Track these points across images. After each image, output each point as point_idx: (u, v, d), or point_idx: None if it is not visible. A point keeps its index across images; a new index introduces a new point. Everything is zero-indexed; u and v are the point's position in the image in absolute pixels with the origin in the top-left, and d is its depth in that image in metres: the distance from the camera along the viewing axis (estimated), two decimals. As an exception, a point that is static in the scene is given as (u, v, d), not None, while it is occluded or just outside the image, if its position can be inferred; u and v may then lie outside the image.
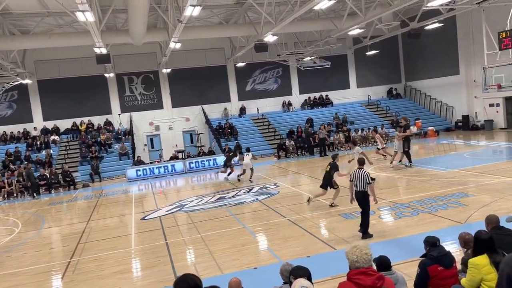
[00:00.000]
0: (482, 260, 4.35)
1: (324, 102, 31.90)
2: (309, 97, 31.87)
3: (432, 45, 29.07)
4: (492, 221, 5.41)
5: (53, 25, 21.32)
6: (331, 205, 11.82)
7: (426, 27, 23.36)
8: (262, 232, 10.43)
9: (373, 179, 9.39)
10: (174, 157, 24.95)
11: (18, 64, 22.69)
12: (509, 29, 17.28)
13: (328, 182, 12.05)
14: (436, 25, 22.80)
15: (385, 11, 19.04)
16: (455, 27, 27.41)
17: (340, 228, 9.89)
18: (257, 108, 30.28)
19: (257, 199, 14.31)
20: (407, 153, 16.97)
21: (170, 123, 29.67)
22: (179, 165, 23.75)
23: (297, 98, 31.82)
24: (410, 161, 16.91)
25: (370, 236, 8.79)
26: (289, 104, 31.30)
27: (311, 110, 31.13)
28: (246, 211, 13.11)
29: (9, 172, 22.53)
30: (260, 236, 10.20)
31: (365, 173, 8.75)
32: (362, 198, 8.79)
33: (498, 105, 26.00)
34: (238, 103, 30.63)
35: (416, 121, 28.01)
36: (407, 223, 9.62)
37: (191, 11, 13.36)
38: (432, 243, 5.14)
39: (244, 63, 28.99)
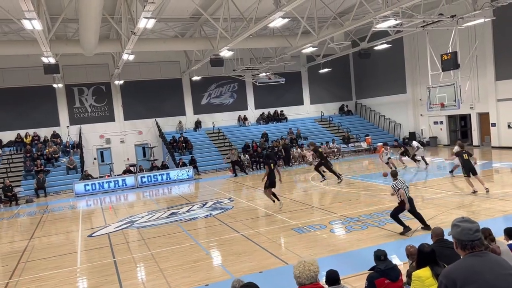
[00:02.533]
0: (425, 273, 4.51)
1: (279, 117, 32.38)
2: (264, 112, 32.23)
3: (381, 65, 30.44)
4: (436, 233, 5.66)
5: (-2, 32, 20.33)
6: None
7: (376, 47, 24.47)
8: (215, 248, 10.30)
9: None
10: (127, 171, 24.24)
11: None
12: (450, 51, 18.42)
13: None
14: (385, 45, 23.95)
15: (337, 31, 19.75)
16: (402, 48, 28.88)
17: (292, 242, 9.96)
18: (213, 122, 30.19)
19: (210, 214, 14.15)
20: (317, 170, 17.73)
21: (122, 136, 28.90)
22: (130, 179, 23.09)
23: (252, 113, 32.08)
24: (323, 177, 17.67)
25: None
26: (245, 118, 31.48)
27: (266, 125, 31.48)
28: (199, 226, 12.92)
29: None
30: (213, 252, 10.06)
31: None
32: None
33: (441, 122, 27.53)
34: (193, 117, 30.42)
35: (366, 137, 29.03)
36: (357, 237, 9.85)
37: (145, 23, 13.20)
38: (378, 256, 5.29)
39: (200, 77, 28.93)
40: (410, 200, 9.54)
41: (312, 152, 21.57)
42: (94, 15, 14.45)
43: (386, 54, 27.27)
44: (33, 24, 11.99)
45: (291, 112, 32.85)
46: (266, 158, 17.33)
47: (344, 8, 20.95)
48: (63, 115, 27.46)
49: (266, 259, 8.94)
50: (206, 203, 16.13)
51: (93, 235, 12.79)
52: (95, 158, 28.17)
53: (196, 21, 22.25)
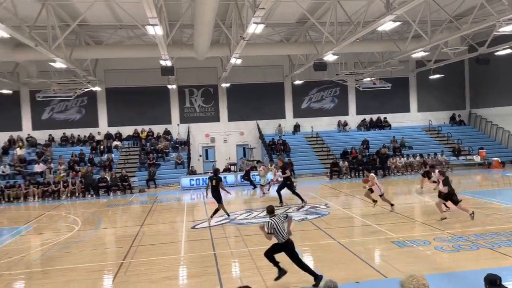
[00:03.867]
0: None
1: (382, 125, 31.12)
2: (365, 119, 31.24)
3: (503, 72, 27.54)
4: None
5: (124, 37, 22.68)
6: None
7: (497, 53, 22.22)
8: (310, 253, 10.27)
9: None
10: (227, 169, 25.36)
11: (90, 72, 24.26)
12: None
13: None
14: (508, 51, 21.63)
15: (453, 35, 18.41)
16: (529, 53, 25.84)
17: (392, 255, 9.52)
18: (312, 126, 30.12)
19: (306, 218, 14.15)
20: (295, 193, 16.26)
21: (225, 136, 30.28)
22: (230, 177, 24.09)
23: (353, 118, 31.31)
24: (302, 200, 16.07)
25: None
26: (345, 124, 30.86)
27: (368, 131, 30.47)
28: (294, 229, 12.95)
29: (74, 172, 23.98)
30: (307, 256, 10.05)
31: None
32: None
33: None
34: (292, 120, 30.69)
35: (480, 150, 26.55)
36: (465, 257, 9.08)
37: (254, 28, 13.69)
38: (492, 281, 4.83)
39: (302, 81, 29.09)
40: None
41: (279, 169, 19.05)
42: (208, 21, 15.39)
43: (509, 60, 24.63)
44: (155, 30, 13.18)
45: (396, 120, 31.35)
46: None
47: (462, 10, 19.42)
48: (175, 114, 29.68)
49: (363, 269, 8.68)
50: (302, 207, 16.15)
51: (195, 227, 13.62)
52: (200, 155, 29.94)
53: (301, 25, 22.44)
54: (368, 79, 27.80)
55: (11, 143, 27.07)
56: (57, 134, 28.05)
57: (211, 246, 11.06)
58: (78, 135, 28.31)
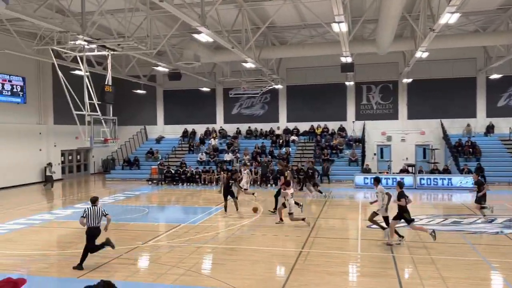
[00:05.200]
0: None
1: None
2: None
3: None
4: None
5: (306, 36, 23.60)
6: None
7: None
8: (506, 271, 8.99)
9: None
10: (404, 170, 24.06)
11: (274, 71, 26.08)
12: None
13: None
14: None
15: None
16: None
17: None
18: (510, 128, 26.15)
19: (501, 231, 12.42)
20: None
21: (403, 135, 28.76)
22: (408, 179, 22.75)
23: None
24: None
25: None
26: (555, 126, 25.89)
27: None
28: (487, 242, 11.56)
29: (256, 163, 26.15)
30: (505, 274, 8.82)
31: None
32: None
33: None
34: (485, 120, 27.22)
35: None
36: None
37: (448, 18, 12.60)
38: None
39: (500, 75, 25.49)
40: None
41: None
42: (394, 14, 14.80)
43: None
44: (340, 27, 13.33)
45: None
46: None
47: None
48: (350, 111, 29.56)
49: None
50: (495, 219, 14.23)
51: (371, 226, 13.33)
52: (374, 154, 29.15)
53: (504, 12, 19.63)
54: None
55: (207, 134, 31.14)
56: (243, 127, 31.04)
57: (389, 248, 10.70)
58: (261, 129, 30.74)
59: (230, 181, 16.09)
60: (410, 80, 27.04)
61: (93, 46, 15.64)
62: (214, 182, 24.78)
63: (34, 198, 21.38)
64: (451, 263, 9.40)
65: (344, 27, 13.66)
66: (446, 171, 23.81)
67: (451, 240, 11.49)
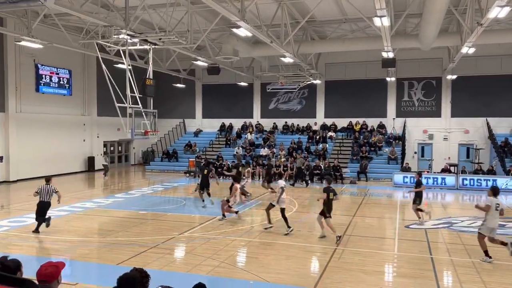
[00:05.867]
0: None
1: None
2: None
3: None
4: None
5: (347, 31, 23.17)
6: None
7: None
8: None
9: None
10: (446, 170, 23.26)
11: (312, 66, 25.79)
12: None
13: None
14: None
15: None
16: None
17: None
18: None
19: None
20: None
21: (446, 133, 27.77)
22: (450, 179, 21.99)
23: None
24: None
25: None
26: None
27: None
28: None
29: (292, 158, 26.04)
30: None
31: None
32: None
33: None
34: (535, 120, 25.83)
35: None
36: None
37: (497, 12, 11.99)
38: None
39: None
40: None
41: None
42: (439, 8, 14.26)
43: None
44: (382, 21, 12.99)
45: None
46: None
47: None
48: (391, 108, 28.83)
49: None
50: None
51: (409, 226, 13.01)
52: (415, 152, 28.34)
53: (560, 5, 18.45)
54: None
55: (244, 128, 31.31)
56: (280, 122, 30.96)
57: (427, 249, 10.40)
58: (298, 125, 30.56)
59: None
60: (454, 76, 26.01)
61: (136, 40, 16.03)
62: (250, 177, 24.88)
63: (78, 187, 22.31)
64: (491, 267, 9.02)
65: (386, 22, 13.30)
66: (491, 172, 22.83)
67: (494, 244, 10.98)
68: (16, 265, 4.50)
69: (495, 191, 9.57)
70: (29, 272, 3.92)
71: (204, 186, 16.31)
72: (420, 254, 9.97)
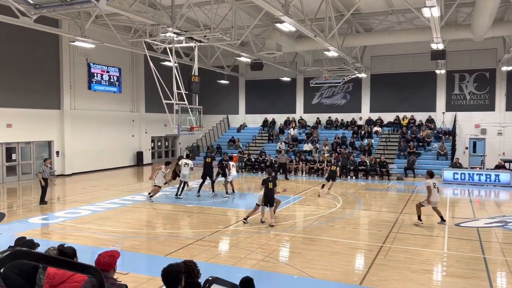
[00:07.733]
0: None
1: None
2: None
3: None
4: None
5: (393, 23, 22.49)
6: None
7: None
8: None
9: None
10: (500, 166, 22.11)
11: (357, 59, 25.27)
12: None
13: None
14: None
15: None
16: None
17: None
18: None
19: None
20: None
21: (501, 127, 26.36)
22: (505, 176, 20.88)
23: None
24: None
25: None
26: None
27: None
28: None
29: (336, 154, 25.71)
30: None
31: None
32: None
33: None
34: None
35: None
36: None
37: (559, -2, 11.20)
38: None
39: None
40: None
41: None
42: (494, -4, 13.54)
43: None
44: (432, 12, 12.50)
45: None
46: None
47: None
48: (440, 101, 27.73)
49: None
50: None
51: (460, 224, 12.53)
52: (466, 148, 27.14)
53: None
54: None
55: (287, 123, 31.24)
56: (323, 117, 30.62)
57: (479, 249, 9.97)
58: (342, 120, 30.09)
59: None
60: (510, 68, 24.62)
61: (182, 38, 16.41)
62: (293, 172, 24.83)
63: (128, 180, 23.20)
64: (553, 270, 8.51)
65: (436, 12, 12.78)
66: (551, 169, 21.46)
67: (555, 245, 10.36)
68: (73, 252, 4.81)
69: None
70: (83, 260, 4.14)
71: (206, 175, 16.76)
72: (472, 254, 9.58)
